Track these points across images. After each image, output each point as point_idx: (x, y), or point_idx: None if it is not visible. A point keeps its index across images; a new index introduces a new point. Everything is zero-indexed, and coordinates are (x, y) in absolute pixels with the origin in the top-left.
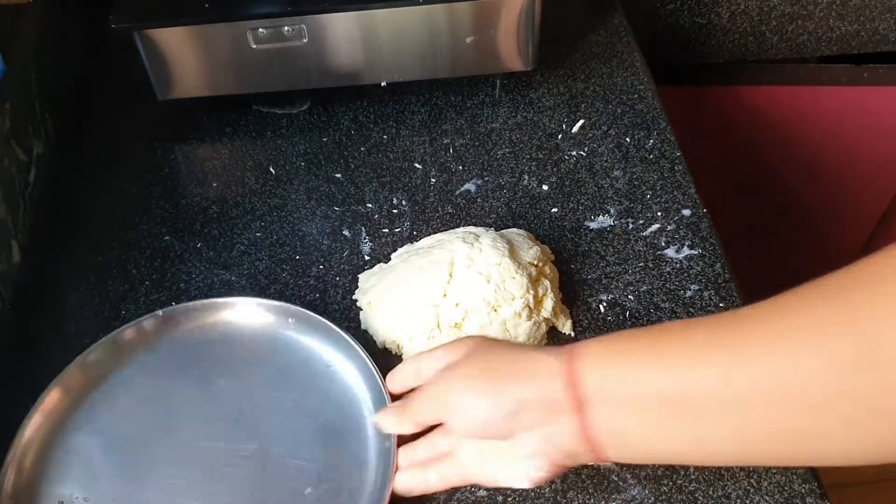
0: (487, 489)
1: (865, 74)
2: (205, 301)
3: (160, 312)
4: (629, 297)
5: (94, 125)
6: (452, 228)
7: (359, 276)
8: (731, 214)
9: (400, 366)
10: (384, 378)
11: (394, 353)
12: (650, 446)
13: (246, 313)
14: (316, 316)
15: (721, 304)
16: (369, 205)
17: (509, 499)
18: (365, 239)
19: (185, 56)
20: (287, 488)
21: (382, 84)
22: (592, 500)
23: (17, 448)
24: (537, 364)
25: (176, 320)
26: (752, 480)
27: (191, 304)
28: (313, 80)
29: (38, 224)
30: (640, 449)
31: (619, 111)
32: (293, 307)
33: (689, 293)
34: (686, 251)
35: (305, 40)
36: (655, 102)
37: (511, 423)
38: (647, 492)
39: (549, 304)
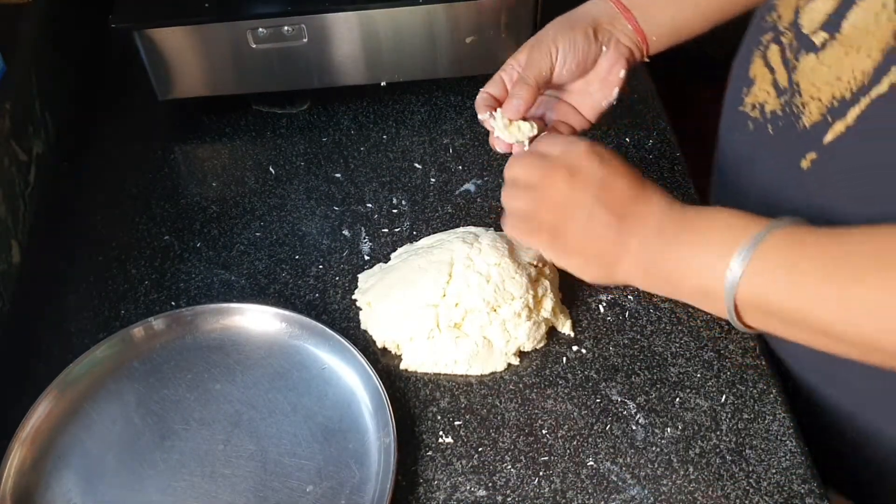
0: (487, 489)
1: None
2: (202, 307)
3: (152, 319)
4: (629, 297)
5: (94, 125)
6: (452, 228)
7: (358, 275)
8: None
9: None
10: (381, 380)
11: (393, 352)
12: None
13: (242, 319)
14: (310, 321)
15: None
16: (369, 205)
17: (509, 499)
18: (364, 239)
19: (185, 56)
20: (288, 487)
21: (382, 84)
22: (592, 500)
23: (16, 449)
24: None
25: (171, 326)
26: (751, 481)
27: (186, 309)
28: (313, 80)
29: (38, 224)
30: None
31: (618, 111)
32: (287, 312)
33: None
34: None
35: (305, 40)
36: (655, 102)
37: None
38: (646, 492)
39: (548, 304)
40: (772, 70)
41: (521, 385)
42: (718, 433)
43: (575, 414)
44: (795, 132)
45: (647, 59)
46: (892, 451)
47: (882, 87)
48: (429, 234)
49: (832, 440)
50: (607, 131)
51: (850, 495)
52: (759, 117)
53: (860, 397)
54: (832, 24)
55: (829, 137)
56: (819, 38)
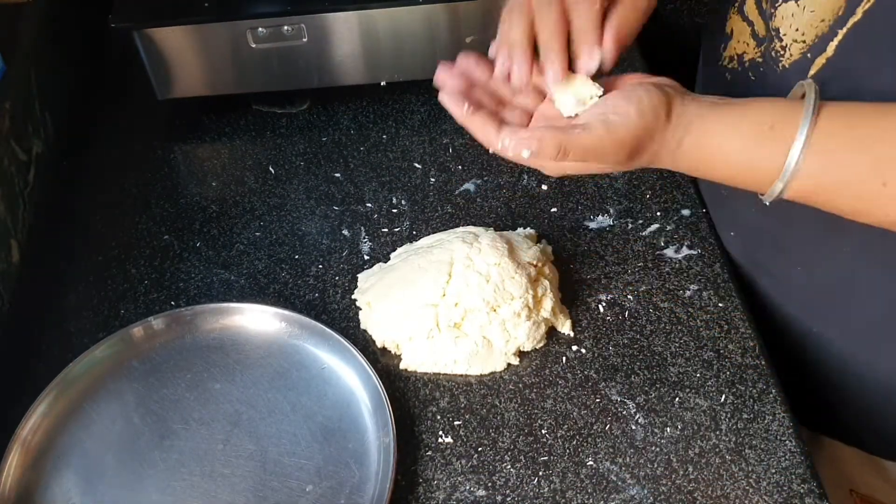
0: (487, 489)
1: None
2: (202, 307)
3: (151, 319)
4: (628, 296)
5: (94, 125)
6: (452, 228)
7: (358, 275)
8: None
9: None
10: (381, 380)
11: (393, 352)
12: None
13: (241, 318)
14: (310, 320)
15: (720, 304)
16: (369, 204)
17: (508, 498)
18: (364, 238)
19: (184, 56)
20: (287, 487)
21: (382, 84)
22: (591, 500)
23: (16, 449)
24: None
25: (171, 325)
26: (750, 480)
27: (186, 309)
28: (313, 79)
29: (38, 224)
30: None
31: None
32: (287, 312)
33: (688, 293)
34: (685, 251)
35: (305, 40)
36: None
37: None
38: (645, 492)
39: (548, 304)
40: (750, 23)
41: (520, 385)
42: (718, 433)
43: (574, 414)
44: (776, 74)
45: None
46: (881, 394)
47: (857, 16)
48: (429, 234)
49: (820, 385)
50: None
51: (840, 439)
52: (736, 67)
53: (854, 338)
54: None
55: (811, 73)
56: None
